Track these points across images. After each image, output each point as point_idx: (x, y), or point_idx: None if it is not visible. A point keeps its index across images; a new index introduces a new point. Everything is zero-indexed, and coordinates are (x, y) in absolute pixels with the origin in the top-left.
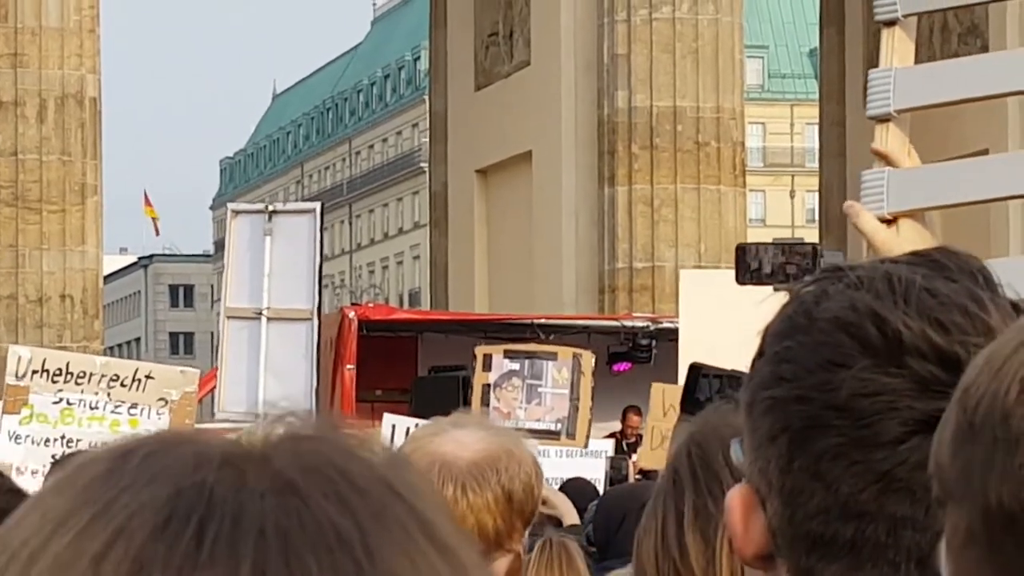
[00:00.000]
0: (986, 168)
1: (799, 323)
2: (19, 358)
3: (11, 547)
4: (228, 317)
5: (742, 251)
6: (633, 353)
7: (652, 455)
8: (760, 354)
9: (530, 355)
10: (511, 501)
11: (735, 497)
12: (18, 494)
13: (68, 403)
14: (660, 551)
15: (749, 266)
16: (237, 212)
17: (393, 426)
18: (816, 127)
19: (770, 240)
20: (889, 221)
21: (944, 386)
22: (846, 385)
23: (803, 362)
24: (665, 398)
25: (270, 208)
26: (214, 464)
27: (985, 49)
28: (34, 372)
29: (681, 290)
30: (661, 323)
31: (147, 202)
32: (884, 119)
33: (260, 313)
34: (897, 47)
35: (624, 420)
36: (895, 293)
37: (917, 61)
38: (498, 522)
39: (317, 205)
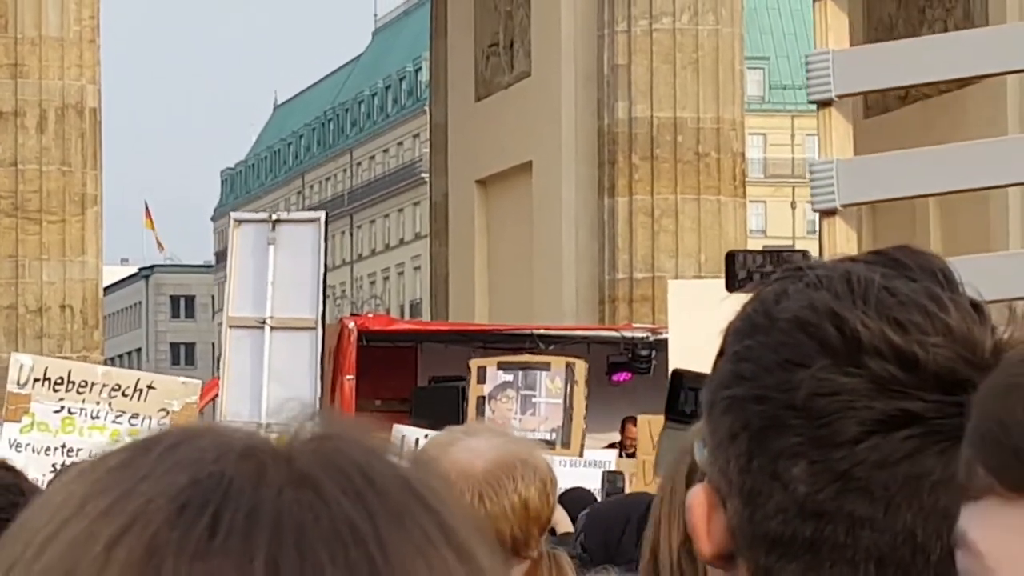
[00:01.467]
0: (942, 160)
1: (759, 322)
2: (21, 366)
3: (29, 530)
4: (231, 326)
5: (731, 259)
6: (633, 363)
7: (648, 490)
8: (721, 353)
9: (524, 366)
10: (527, 509)
11: (696, 496)
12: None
13: (69, 412)
14: (647, 553)
15: (738, 275)
16: (240, 221)
17: (403, 437)
18: (816, 138)
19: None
20: None
21: (902, 386)
22: (804, 385)
23: (762, 361)
24: (652, 430)
25: (274, 217)
26: (234, 456)
27: None
28: (36, 380)
29: (670, 301)
30: (661, 333)
31: (148, 215)
32: (826, 104)
33: (263, 322)
34: (831, 23)
35: (623, 431)
36: (854, 293)
37: None
38: (515, 530)
39: (321, 214)
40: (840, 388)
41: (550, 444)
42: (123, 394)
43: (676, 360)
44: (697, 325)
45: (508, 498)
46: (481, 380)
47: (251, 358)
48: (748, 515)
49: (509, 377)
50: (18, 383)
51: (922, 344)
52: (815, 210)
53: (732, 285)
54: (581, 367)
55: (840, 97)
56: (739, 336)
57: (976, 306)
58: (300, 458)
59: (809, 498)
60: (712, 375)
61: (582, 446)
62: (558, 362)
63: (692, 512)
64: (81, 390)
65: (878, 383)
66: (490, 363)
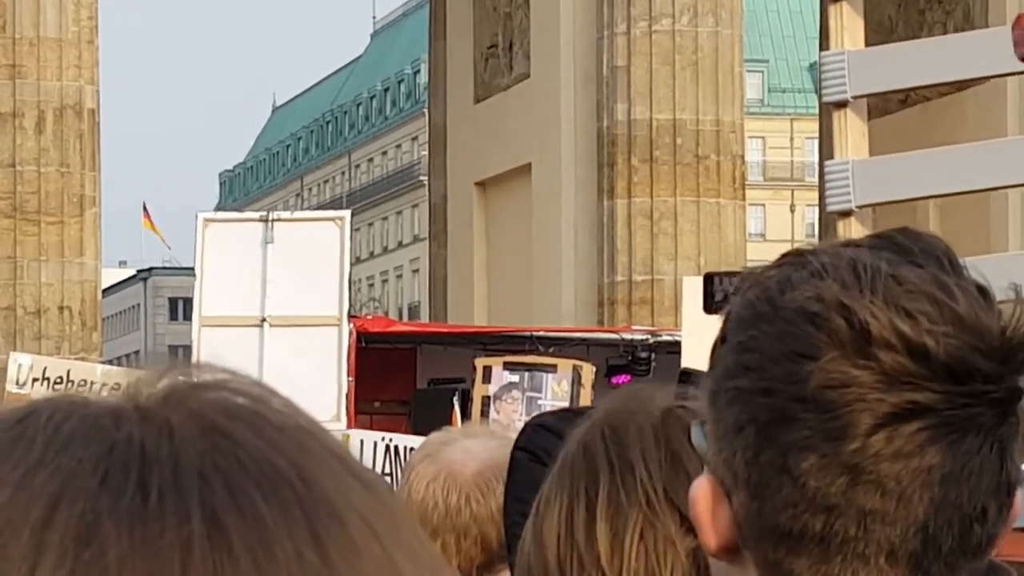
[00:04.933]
0: (955, 160)
1: (763, 311)
2: (20, 366)
3: None
4: (205, 326)
5: (709, 280)
6: (632, 366)
7: None
8: (722, 340)
9: (530, 367)
10: None
11: (700, 488)
12: None
13: None
14: (563, 533)
15: (715, 296)
16: (210, 220)
17: (361, 441)
18: (816, 141)
19: (770, 255)
20: None
21: (913, 377)
22: (813, 377)
23: (768, 352)
24: None
25: (272, 216)
26: (134, 418)
27: None
28: (35, 380)
29: (684, 297)
30: (660, 336)
31: (147, 216)
32: (841, 105)
33: (263, 321)
34: (847, 25)
35: None
36: (861, 282)
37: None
38: (502, 534)
39: (346, 213)
40: (851, 381)
41: None
42: None
43: (688, 355)
44: (710, 322)
45: (496, 500)
46: (486, 380)
47: (242, 357)
48: (756, 508)
49: (515, 378)
50: (17, 382)
51: (932, 334)
52: (830, 211)
53: (710, 306)
54: (588, 370)
55: (855, 98)
56: (742, 325)
57: (982, 291)
58: (198, 408)
59: (819, 492)
60: (713, 363)
61: None
62: (565, 364)
63: (697, 504)
64: (80, 389)
65: (889, 375)
66: (496, 363)
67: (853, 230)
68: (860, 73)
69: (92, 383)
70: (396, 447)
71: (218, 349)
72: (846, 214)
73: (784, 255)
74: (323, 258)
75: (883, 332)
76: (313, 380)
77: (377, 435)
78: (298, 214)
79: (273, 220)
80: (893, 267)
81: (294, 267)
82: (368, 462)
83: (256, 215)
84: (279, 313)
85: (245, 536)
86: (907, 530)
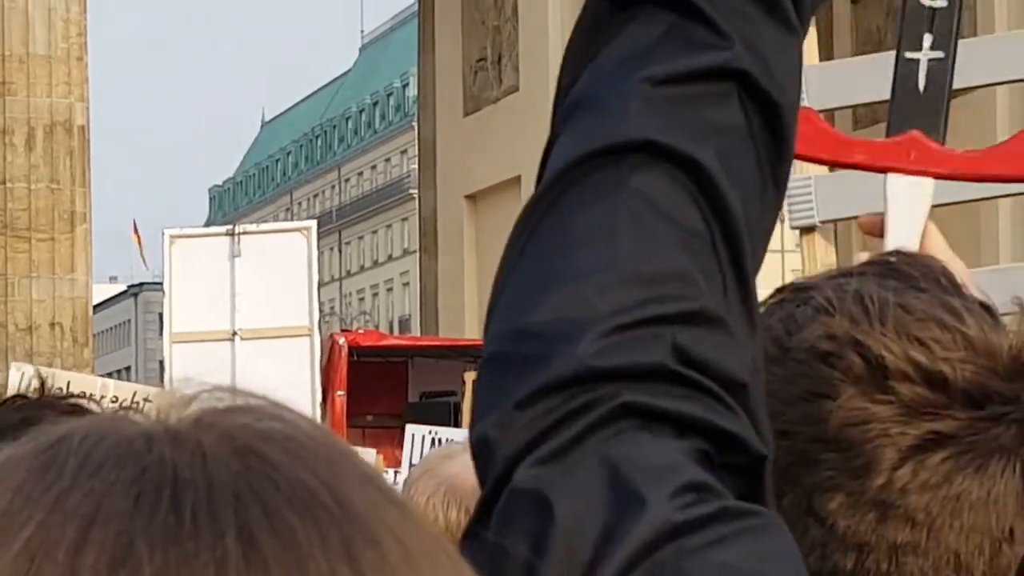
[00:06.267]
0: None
1: (771, 354)
2: (22, 375)
3: None
4: (176, 342)
5: None
6: None
7: None
8: None
9: None
10: None
11: None
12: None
13: None
14: None
15: None
16: (176, 237)
17: (412, 435)
18: None
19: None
20: None
21: (933, 407)
22: (833, 417)
23: (782, 395)
24: None
25: (238, 230)
26: (165, 441)
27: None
28: (36, 391)
29: None
30: None
31: (136, 233)
32: None
33: (234, 334)
34: None
35: None
36: (870, 315)
37: None
38: None
39: (312, 223)
40: (871, 417)
41: None
42: (121, 407)
43: None
44: None
45: None
46: None
47: (215, 371)
48: None
49: None
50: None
51: (948, 361)
52: (793, 227)
53: None
54: None
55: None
56: None
57: (987, 309)
58: (230, 431)
59: (849, 530)
60: None
61: None
62: None
63: None
64: (80, 401)
65: (909, 407)
66: None
67: (817, 245)
68: (818, 87)
69: (91, 395)
70: (441, 440)
71: (191, 364)
72: (809, 230)
73: (780, 290)
74: (291, 269)
75: (899, 364)
76: (288, 391)
77: (425, 429)
78: (264, 226)
79: (239, 233)
80: (899, 296)
81: (263, 279)
82: (418, 458)
83: (222, 229)
84: (250, 326)
85: (280, 555)
86: (939, 560)
